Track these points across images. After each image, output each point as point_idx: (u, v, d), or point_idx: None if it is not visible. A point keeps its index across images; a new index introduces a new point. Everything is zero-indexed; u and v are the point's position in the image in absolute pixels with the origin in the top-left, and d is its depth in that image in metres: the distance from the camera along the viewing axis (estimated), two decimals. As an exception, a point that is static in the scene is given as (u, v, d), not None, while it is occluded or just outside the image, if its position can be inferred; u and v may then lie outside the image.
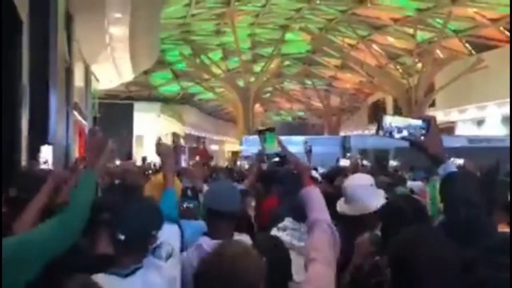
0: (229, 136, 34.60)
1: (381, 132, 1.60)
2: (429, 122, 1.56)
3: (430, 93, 21.87)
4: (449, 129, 23.18)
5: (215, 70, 25.88)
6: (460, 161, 4.55)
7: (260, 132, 1.98)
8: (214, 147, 32.74)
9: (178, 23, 22.15)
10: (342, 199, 2.47)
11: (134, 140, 26.16)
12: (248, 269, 1.27)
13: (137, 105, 27.80)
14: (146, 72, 24.19)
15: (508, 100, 18.56)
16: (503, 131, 19.27)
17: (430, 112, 22.41)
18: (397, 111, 24.84)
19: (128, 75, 18.16)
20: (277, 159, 1.94)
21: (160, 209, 1.82)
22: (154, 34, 14.91)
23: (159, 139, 2.36)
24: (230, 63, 27.13)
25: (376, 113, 29.31)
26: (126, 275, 1.64)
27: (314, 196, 1.75)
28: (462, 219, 1.46)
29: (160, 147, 2.23)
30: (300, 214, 1.87)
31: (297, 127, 33.13)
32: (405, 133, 1.56)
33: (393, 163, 11.11)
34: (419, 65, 21.90)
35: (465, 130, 21.81)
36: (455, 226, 1.48)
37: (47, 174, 3.70)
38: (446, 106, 22.26)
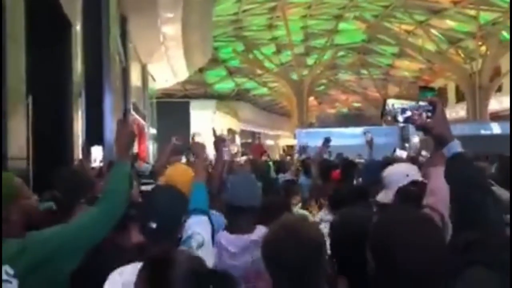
0: (283, 130, 34.50)
1: (385, 117, 1.57)
2: (434, 103, 1.51)
3: (496, 77, 20.56)
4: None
5: (268, 64, 25.84)
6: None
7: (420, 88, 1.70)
8: (269, 142, 32.78)
9: (230, 20, 22.29)
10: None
11: (191, 137, 26.71)
12: (315, 231, 1.41)
13: (193, 103, 28.38)
14: (200, 70, 24.60)
15: None
16: None
17: (497, 98, 21.14)
18: (460, 98, 23.68)
19: (183, 73, 18.55)
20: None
21: (186, 197, 1.85)
22: (206, 31, 15.11)
23: (214, 131, 2.73)
24: (283, 57, 26.96)
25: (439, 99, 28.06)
26: None
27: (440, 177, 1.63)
28: (466, 201, 1.42)
29: (194, 143, 2.42)
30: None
31: (353, 119, 32.45)
32: (408, 113, 1.51)
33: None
34: (483, 48, 20.63)
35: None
36: (459, 208, 1.45)
37: (98, 173, 3.84)
38: (515, 90, 20.85)
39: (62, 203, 2.38)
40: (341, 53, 27.02)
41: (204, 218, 1.86)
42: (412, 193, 1.95)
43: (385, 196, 2.27)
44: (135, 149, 12.07)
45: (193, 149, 2.39)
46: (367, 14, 22.54)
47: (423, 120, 1.51)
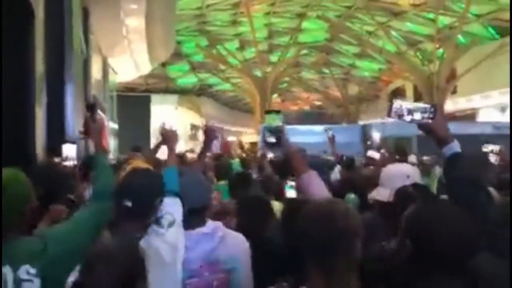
0: (246, 127, 34.54)
1: (392, 114, 1.69)
2: (435, 106, 1.67)
3: (452, 79, 21.36)
4: (472, 115, 22.69)
5: (232, 60, 25.75)
6: (495, 147, 4.43)
7: (266, 112, 2.09)
8: (231, 138, 32.72)
9: (194, 14, 22.05)
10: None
11: (151, 132, 26.31)
12: (351, 215, 1.41)
13: (154, 98, 27.93)
14: (163, 64, 24.21)
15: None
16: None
17: (452, 99, 21.98)
18: (418, 99, 24.43)
19: (145, 67, 18.19)
20: (273, 139, 2.00)
21: (162, 179, 1.95)
22: (170, 25, 14.86)
23: (163, 124, 2.51)
24: (247, 53, 26.95)
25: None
26: None
27: (315, 181, 1.91)
28: (464, 197, 1.56)
29: (164, 129, 2.40)
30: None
31: (315, 117, 32.88)
32: (416, 116, 1.66)
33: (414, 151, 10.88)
34: (440, 51, 21.39)
35: (488, 116, 21.29)
36: (457, 203, 1.55)
37: (73, 169, 3.70)
38: (469, 92, 21.74)
39: (42, 199, 2.32)
40: (304, 51, 27.29)
41: (175, 200, 1.92)
42: (411, 194, 2.01)
43: (378, 193, 2.32)
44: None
45: (164, 136, 2.43)
46: (330, 14, 22.87)
47: (425, 121, 1.67)
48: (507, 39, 19.09)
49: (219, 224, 2.01)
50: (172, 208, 1.89)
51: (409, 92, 26.94)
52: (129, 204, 1.83)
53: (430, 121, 1.65)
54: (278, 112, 2.09)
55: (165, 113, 26.65)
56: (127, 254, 1.76)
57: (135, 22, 12.07)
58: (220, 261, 1.89)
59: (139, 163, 3.08)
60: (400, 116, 1.67)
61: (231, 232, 2.03)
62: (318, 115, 34.08)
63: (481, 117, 21.87)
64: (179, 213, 1.89)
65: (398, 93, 28.81)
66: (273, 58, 26.87)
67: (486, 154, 4.80)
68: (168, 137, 2.37)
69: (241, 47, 26.66)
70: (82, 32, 9.80)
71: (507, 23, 19.45)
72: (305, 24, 24.24)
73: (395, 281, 1.52)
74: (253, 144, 17.34)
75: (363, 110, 32.35)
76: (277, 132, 2.02)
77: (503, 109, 21.33)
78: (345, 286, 1.36)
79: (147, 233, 1.81)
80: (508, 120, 18.92)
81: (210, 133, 2.81)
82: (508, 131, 14.16)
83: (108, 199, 1.85)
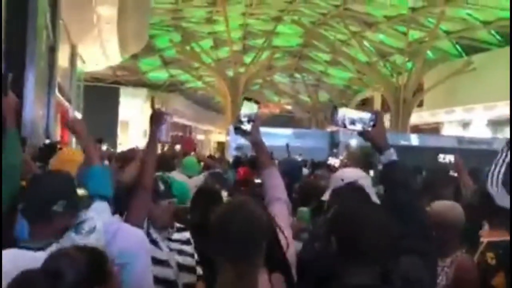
0: (216, 126, 34.36)
1: (338, 123, 1.77)
2: (377, 115, 1.77)
3: (419, 93, 21.89)
4: (436, 129, 23.33)
5: (205, 58, 25.56)
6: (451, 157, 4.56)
7: (245, 99, 2.06)
8: (200, 137, 32.49)
9: (169, 9, 21.79)
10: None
11: (119, 125, 25.82)
12: (261, 211, 1.53)
13: (123, 90, 27.41)
14: (134, 57, 23.80)
15: (496, 103, 18.74)
16: (488, 134, 19.42)
17: (418, 112, 22.52)
18: (385, 109, 24.93)
19: (115, 58, 17.84)
20: (247, 125, 1.97)
21: (69, 182, 1.78)
22: (143, 17, 14.62)
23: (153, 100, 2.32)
24: (221, 52, 26.82)
25: (364, 109, 29.54)
26: (38, 249, 1.62)
27: (274, 180, 1.94)
28: (399, 200, 1.72)
29: (70, 120, 2.24)
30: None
31: (283, 121, 33.07)
32: (357, 125, 1.75)
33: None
34: (409, 64, 21.90)
35: (451, 131, 21.95)
36: (393, 207, 1.71)
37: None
38: (434, 106, 22.35)
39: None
40: (277, 55, 27.39)
41: (101, 204, 1.83)
42: (343, 193, 2.10)
43: (324, 196, 2.35)
44: (58, 134, 11.40)
45: (70, 128, 2.19)
46: (305, 20, 23.05)
47: (367, 129, 1.77)
48: (473, 57, 19.76)
49: (114, 218, 1.95)
50: (96, 213, 1.79)
51: (377, 103, 27.45)
52: (21, 207, 1.71)
53: (370, 129, 1.75)
54: (257, 102, 2.04)
55: (133, 106, 26.22)
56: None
57: (107, 11, 11.82)
58: (112, 256, 1.82)
59: (67, 152, 2.93)
60: (344, 124, 1.75)
61: (126, 226, 1.93)
62: (287, 119, 34.28)
63: (445, 132, 22.53)
64: (105, 219, 1.79)
65: (367, 103, 29.34)
66: (247, 59, 26.85)
67: (446, 166, 4.94)
68: (75, 130, 2.14)
69: (215, 46, 26.52)
70: (50, 17, 9.49)
71: (473, 42, 20.14)
72: (280, 28, 24.34)
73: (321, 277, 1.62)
74: (220, 143, 17.27)
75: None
76: (252, 120, 1.98)
77: (465, 125, 22.04)
78: (253, 283, 1.42)
79: (61, 241, 1.67)
80: (473, 135, 19.61)
81: (156, 118, 2.29)
82: (472, 146, 14.62)
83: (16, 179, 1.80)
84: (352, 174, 2.42)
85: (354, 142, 15.06)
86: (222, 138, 26.54)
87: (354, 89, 30.60)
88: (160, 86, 30.90)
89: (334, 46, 23.78)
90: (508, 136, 16.50)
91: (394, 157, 1.76)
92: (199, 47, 25.39)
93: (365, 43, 23.00)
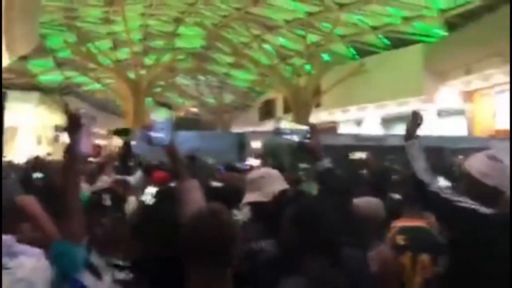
0: (117, 130, 32.93)
1: (278, 132, 2.12)
2: (314, 128, 2.15)
3: (317, 94, 22.97)
4: (333, 128, 24.65)
5: (103, 60, 24.36)
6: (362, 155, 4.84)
7: (156, 104, 2.07)
8: (100, 142, 30.85)
9: (62, 7, 20.43)
10: None
11: (6, 132, 23.60)
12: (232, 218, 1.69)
13: (11, 95, 25.10)
14: (23, 58, 21.91)
15: (386, 102, 20.30)
16: (381, 131, 20.97)
17: (316, 112, 23.62)
18: (287, 111, 25.81)
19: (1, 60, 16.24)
20: (162, 134, 1.88)
21: None
22: (33, 15, 13.51)
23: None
24: (120, 53, 25.74)
25: (267, 111, 30.46)
26: None
27: (195, 189, 1.98)
28: (335, 203, 2.01)
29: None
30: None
31: (189, 123, 32.74)
32: (295, 137, 2.09)
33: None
34: (308, 66, 22.88)
35: (346, 129, 23.33)
36: (330, 208, 1.93)
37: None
38: (331, 106, 23.59)
39: None
40: (180, 56, 27.03)
41: None
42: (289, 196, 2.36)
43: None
44: None
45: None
46: (207, 21, 23.03)
47: (304, 140, 2.12)
48: (366, 59, 21.22)
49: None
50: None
51: (279, 104, 28.30)
52: None
53: (308, 141, 2.10)
54: (169, 107, 1.94)
55: (23, 112, 24.17)
56: None
57: (-11, 7, 10.70)
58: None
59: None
60: (283, 134, 2.09)
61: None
62: (193, 122, 34.00)
63: (341, 130, 23.89)
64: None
65: (269, 104, 30.11)
66: (148, 61, 26.11)
67: (355, 166, 5.23)
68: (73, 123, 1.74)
69: (115, 47, 25.41)
70: None
71: (364, 45, 21.62)
72: (182, 30, 24.04)
73: (261, 278, 1.83)
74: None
75: (237, 119, 33.17)
76: (165, 126, 1.86)
77: (359, 123, 23.58)
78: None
79: None
80: (364, 133, 20.99)
81: (71, 124, 1.75)
82: (369, 143, 15.60)
83: None
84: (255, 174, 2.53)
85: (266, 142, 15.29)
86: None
87: (258, 90, 31.24)
88: (54, 89, 28.85)
89: (237, 49, 24.06)
90: (399, 132, 18.00)
91: (329, 164, 2.13)
92: (96, 48, 24.14)
93: (266, 46, 23.59)
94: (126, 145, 5.64)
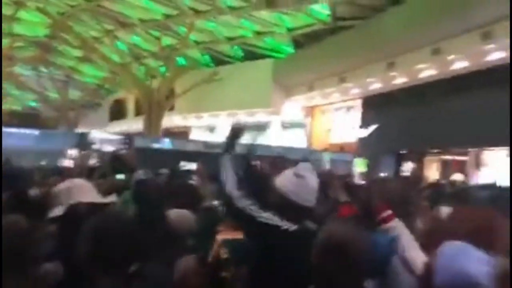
0: None
1: (88, 143, 2.23)
2: (130, 139, 2.60)
3: (171, 97, 22.72)
4: (185, 133, 24.66)
5: None
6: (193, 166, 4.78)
7: None
8: None
9: None
10: None
11: None
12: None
13: None
14: None
15: (238, 111, 20.97)
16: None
17: (170, 115, 23.34)
18: (138, 112, 25.02)
19: None
20: None
21: None
22: None
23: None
24: None
25: (119, 111, 29.10)
26: None
27: None
28: (149, 213, 2.11)
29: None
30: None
31: (28, 119, 29.62)
32: (109, 147, 2.24)
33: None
34: (163, 68, 22.50)
35: (199, 135, 23.53)
36: (143, 218, 2.05)
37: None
38: (184, 111, 23.56)
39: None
40: (19, 43, 24.30)
41: None
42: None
43: None
44: None
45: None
46: (52, 9, 21.03)
47: (120, 152, 2.11)
48: (220, 68, 21.68)
49: None
50: None
51: (131, 105, 27.35)
52: None
53: (125, 151, 2.18)
54: None
55: None
56: None
57: None
58: None
59: None
60: (93, 145, 2.11)
61: None
62: (32, 118, 30.84)
63: (193, 135, 24.00)
64: None
65: (120, 104, 28.89)
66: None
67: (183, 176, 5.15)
68: None
69: None
70: None
71: (219, 54, 22.09)
72: (22, 14, 21.59)
73: None
74: None
75: (85, 117, 31.08)
76: None
77: (211, 130, 23.97)
78: None
79: None
80: (216, 140, 21.36)
81: None
82: (218, 150, 15.81)
83: None
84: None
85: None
86: None
87: (107, 88, 29.71)
88: None
89: (86, 42, 22.48)
90: (246, 141, 18.71)
91: (143, 176, 2.27)
92: None
93: (119, 42, 22.55)
94: None
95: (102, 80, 28.07)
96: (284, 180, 2.23)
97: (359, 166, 14.79)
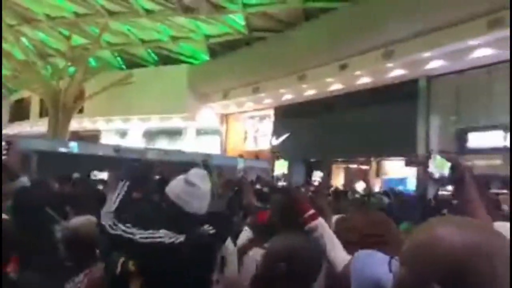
0: None
1: None
2: (13, 143, 2.29)
3: (80, 99, 21.60)
4: (95, 136, 23.60)
5: None
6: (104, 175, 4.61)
7: None
8: None
9: None
10: None
11: None
12: None
13: None
14: None
15: (150, 116, 20.56)
16: (143, 143, 21.04)
17: (79, 118, 22.19)
18: (43, 113, 23.48)
19: None
20: None
21: None
22: None
23: None
24: None
25: (21, 112, 27.07)
26: None
27: None
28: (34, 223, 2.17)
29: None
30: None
31: None
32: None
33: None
34: (72, 69, 21.35)
35: (109, 139, 22.66)
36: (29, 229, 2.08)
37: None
38: (94, 114, 22.56)
39: None
40: None
41: None
42: None
43: None
44: None
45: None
46: None
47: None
48: (133, 71, 21.08)
49: None
50: None
51: (35, 105, 25.62)
52: None
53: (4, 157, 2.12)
54: None
55: None
56: None
57: None
58: None
59: None
60: None
61: None
62: None
63: (104, 140, 23.05)
64: None
65: (23, 104, 26.95)
66: None
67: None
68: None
69: None
70: None
71: (133, 57, 21.53)
72: None
73: None
74: None
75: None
76: None
77: (122, 134, 23.21)
78: None
79: None
80: (127, 144, 20.69)
81: None
82: (128, 155, 15.35)
83: None
84: None
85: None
86: None
87: (9, 87, 27.51)
88: None
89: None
90: (160, 146, 18.38)
91: (28, 183, 2.30)
92: None
93: (24, 39, 21.05)
94: None
95: (4, 78, 25.91)
96: (174, 187, 2.18)
97: (280, 169, 15.42)
